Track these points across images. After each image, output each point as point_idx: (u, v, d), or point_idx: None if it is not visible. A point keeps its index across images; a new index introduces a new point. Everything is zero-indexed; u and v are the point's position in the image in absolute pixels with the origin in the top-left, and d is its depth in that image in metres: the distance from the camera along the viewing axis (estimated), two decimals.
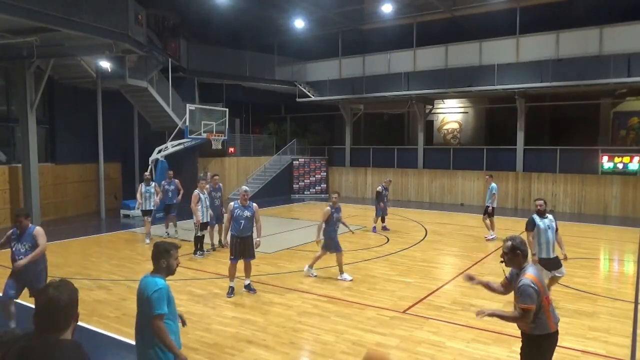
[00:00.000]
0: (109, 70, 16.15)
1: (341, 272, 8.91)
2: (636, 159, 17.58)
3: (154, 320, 3.51)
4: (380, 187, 14.23)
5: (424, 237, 13.20)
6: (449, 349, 5.81)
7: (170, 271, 3.75)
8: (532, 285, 3.81)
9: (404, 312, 7.13)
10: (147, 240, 12.25)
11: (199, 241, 10.72)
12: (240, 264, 7.98)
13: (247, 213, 7.87)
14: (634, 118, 20.02)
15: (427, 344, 5.96)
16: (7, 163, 15.41)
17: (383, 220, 14.27)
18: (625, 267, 10.80)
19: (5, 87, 15.88)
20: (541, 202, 7.29)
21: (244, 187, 8.25)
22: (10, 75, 15.35)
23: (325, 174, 24.36)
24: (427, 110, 23.86)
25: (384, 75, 22.10)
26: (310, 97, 23.84)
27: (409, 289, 8.28)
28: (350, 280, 8.73)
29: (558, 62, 18.04)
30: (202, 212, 10.60)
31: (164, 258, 3.71)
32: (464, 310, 7.18)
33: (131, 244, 12.54)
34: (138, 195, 12.51)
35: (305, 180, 24.15)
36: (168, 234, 12.89)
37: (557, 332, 4.06)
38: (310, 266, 9.15)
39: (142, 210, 12.63)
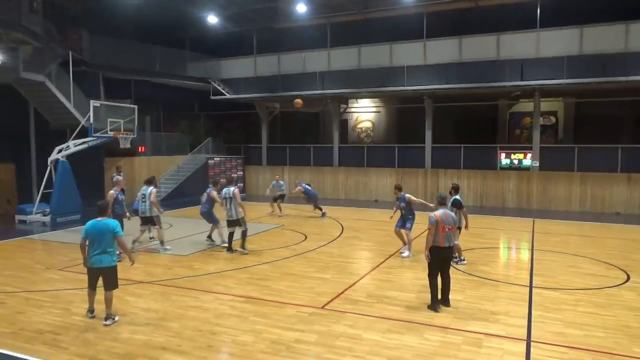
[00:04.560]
0: (0, 62, 14.64)
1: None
2: (529, 155, 19.30)
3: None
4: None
5: (341, 234, 13.47)
6: (365, 341, 5.97)
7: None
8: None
9: (322, 307, 7.22)
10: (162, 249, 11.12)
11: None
12: None
13: None
14: (527, 118, 21.97)
15: (345, 337, 6.08)
16: None
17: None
18: (522, 255, 11.80)
19: None
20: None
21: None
22: None
23: (242, 172, 24.02)
24: (342, 109, 24.39)
25: (299, 75, 22.26)
26: (224, 95, 23.39)
27: (327, 285, 8.40)
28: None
29: (461, 65, 19.31)
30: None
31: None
32: (379, 303, 7.42)
33: (29, 251, 11.47)
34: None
35: (221, 180, 23.60)
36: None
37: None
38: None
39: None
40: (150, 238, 11.94)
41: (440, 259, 7.11)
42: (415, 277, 8.84)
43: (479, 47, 19.25)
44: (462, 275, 8.97)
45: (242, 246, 10.80)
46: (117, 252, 7.02)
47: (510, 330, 6.33)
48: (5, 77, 15.20)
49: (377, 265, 9.87)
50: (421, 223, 10.38)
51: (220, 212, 11.69)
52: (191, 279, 8.85)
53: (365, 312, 7.00)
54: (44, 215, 15.02)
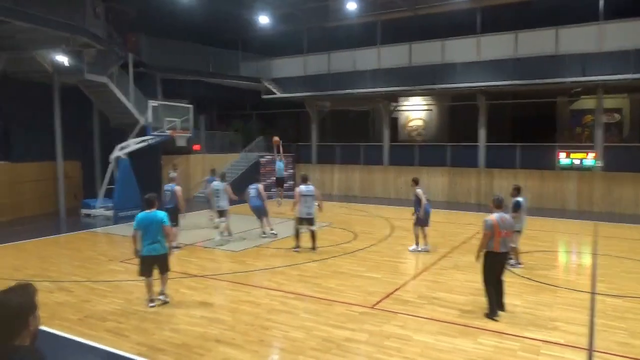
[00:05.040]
0: (67, 64, 15.55)
1: None
2: (591, 155, 18.34)
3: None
4: None
5: (391, 233, 13.35)
6: (416, 342, 5.90)
7: None
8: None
9: (372, 307, 7.20)
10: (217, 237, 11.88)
11: None
12: None
13: None
14: (589, 116, 20.89)
15: (395, 337, 6.04)
16: None
17: None
18: (583, 259, 11.25)
19: None
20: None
21: None
22: None
23: (292, 171, 24.28)
24: (392, 108, 24.14)
25: (349, 73, 22.21)
26: (275, 94, 23.71)
27: (377, 284, 8.36)
28: None
29: (517, 61, 18.61)
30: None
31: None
32: (430, 304, 7.31)
33: (93, 244, 12.15)
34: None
35: (273, 178, 24.00)
36: None
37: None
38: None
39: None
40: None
41: (496, 265, 6.82)
42: (467, 279, 8.63)
43: (537, 41, 18.45)
44: (519, 279, 8.66)
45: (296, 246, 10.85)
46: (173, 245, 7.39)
47: (570, 338, 6.06)
48: (71, 78, 16.13)
49: (428, 266, 9.72)
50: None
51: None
52: (243, 274, 9.06)
53: (416, 313, 6.91)
54: (107, 210, 15.84)
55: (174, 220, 11.16)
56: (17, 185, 16.18)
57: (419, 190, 10.69)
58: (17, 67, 15.60)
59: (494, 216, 6.83)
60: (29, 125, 16.66)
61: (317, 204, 10.84)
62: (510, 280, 7.66)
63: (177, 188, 11.22)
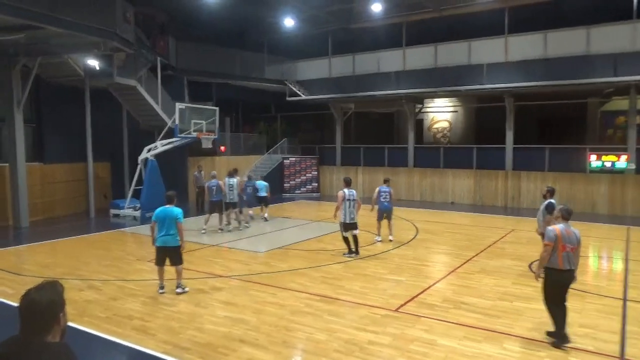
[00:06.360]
0: (97, 68, 15.96)
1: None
2: (623, 157, 17.80)
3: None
4: None
5: (415, 236, 13.24)
6: (441, 347, 5.83)
7: None
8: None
9: (396, 310, 7.14)
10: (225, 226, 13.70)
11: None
12: None
13: None
14: (621, 117, 20.27)
15: (420, 342, 5.98)
16: None
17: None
18: (614, 265, 10.93)
19: None
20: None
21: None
22: None
23: (316, 172, 24.34)
24: (417, 109, 23.95)
25: (373, 75, 22.14)
26: (300, 96, 23.81)
27: (401, 287, 8.30)
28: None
29: (546, 62, 18.22)
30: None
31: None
32: (455, 308, 7.21)
33: (122, 243, 12.43)
34: (226, 188, 13.50)
35: (296, 179, 24.13)
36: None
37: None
38: None
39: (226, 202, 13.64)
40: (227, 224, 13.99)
41: (560, 284, 5.88)
42: (495, 284, 8.48)
43: (567, 41, 18.02)
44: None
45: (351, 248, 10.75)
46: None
47: (600, 345, 5.88)
48: (102, 82, 16.57)
49: (454, 270, 9.59)
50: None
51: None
52: (267, 275, 9.12)
53: (441, 318, 6.82)
54: (135, 210, 16.18)
55: (221, 210, 13.49)
56: (49, 185, 16.70)
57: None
58: (50, 72, 16.11)
59: (558, 227, 5.95)
60: (61, 128, 17.17)
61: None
62: (538, 285, 7.45)
63: (221, 182, 13.34)
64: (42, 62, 14.65)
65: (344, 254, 10.59)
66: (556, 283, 5.90)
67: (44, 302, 2.21)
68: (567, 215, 6.08)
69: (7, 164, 14.79)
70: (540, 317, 6.77)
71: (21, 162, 14.54)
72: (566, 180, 18.67)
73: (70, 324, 2.45)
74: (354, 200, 10.47)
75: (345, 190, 10.47)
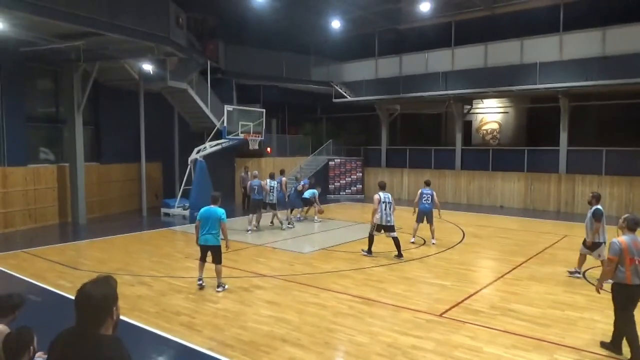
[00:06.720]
0: (151, 72, 16.61)
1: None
2: None
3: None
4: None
5: (462, 240, 12.95)
6: (486, 355, 5.67)
7: None
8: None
9: (440, 315, 7.01)
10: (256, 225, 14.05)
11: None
12: None
13: None
14: None
15: (464, 348, 5.84)
16: (55, 162, 16.09)
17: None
18: None
19: (54, 90, 16.58)
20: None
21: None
22: (58, 78, 16.02)
23: (361, 174, 24.26)
24: (466, 111, 23.39)
25: (421, 75, 21.82)
26: (346, 97, 23.81)
27: (446, 292, 8.14)
28: None
29: (604, 60, 17.33)
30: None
31: None
32: (503, 315, 6.99)
33: (171, 241, 12.87)
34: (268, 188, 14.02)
35: (341, 181, 24.13)
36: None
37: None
38: None
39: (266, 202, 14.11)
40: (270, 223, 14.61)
41: (631, 301, 5.52)
42: (545, 291, 8.16)
43: (627, 38, 17.05)
44: (602, 292, 8.05)
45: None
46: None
47: None
48: (155, 85, 17.22)
49: (502, 276, 9.30)
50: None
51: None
52: (310, 276, 9.18)
53: (487, 324, 6.64)
54: (184, 209, 16.70)
55: (263, 208, 14.04)
56: (105, 184, 17.53)
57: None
58: (107, 76, 16.91)
59: (624, 239, 5.54)
60: (117, 130, 17.98)
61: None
62: (590, 293, 7.12)
63: (263, 182, 13.92)
64: (100, 66, 15.41)
65: (361, 250, 10.87)
66: (626, 300, 5.51)
67: (99, 296, 2.32)
68: (633, 226, 5.66)
69: (68, 164, 15.66)
70: (594, 328, 6.47)
71: (80, 162, 15.36)
72: (624, 185, 17.69)
73: (121, 317, 2.57)
74: (390, 202, 10.50)
75: (381, 193, 10.54)
